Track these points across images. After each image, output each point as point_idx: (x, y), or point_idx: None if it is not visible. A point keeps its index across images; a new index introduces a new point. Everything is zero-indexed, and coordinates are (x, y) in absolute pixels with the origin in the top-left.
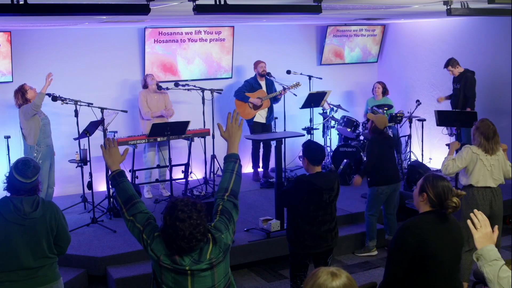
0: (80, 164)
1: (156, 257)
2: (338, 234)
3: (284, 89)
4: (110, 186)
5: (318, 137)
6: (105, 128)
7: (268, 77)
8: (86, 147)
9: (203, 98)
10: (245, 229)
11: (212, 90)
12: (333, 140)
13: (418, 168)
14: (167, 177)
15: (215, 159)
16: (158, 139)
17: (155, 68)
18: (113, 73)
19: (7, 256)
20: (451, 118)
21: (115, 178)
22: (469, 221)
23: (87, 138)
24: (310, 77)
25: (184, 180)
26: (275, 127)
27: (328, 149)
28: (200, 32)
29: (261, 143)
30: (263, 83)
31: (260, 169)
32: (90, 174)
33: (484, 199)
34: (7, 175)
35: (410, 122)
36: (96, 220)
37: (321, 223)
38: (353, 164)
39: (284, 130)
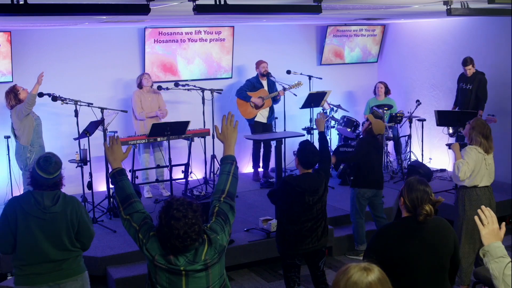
0: (80, 164)
1: (151, 257)
2: (325, 235)
3: (285, 89)
4: (110, 184)
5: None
6: (105, 128)
7: (269, 78)
8: (86, 147)
9: (203, 98)
10: (245, 229)
11: (212, 90)
12: (333, 140)
13: (418, 168)
14: (165, 177)
15: (215, 159)
16: (158, 139)
17: (155, 68)
18: (113, 73)
19: (30, 249)
20: (451, 118)
21: (115, 176)
22: (476, 217)
23: (87, 138)
24: (310, 77)
25: (184, 180)
26: (275, 127)
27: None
28: (200, 32)
29: (262, 143)
30: (265, 82)
31: (260, 169)
32: (90, 174)
33: (486, 198)
34: (31, 170)
35: (410, 122)
36: (96, 220)
37: (304, 222)
38: (348, 168)
39: (284, 130)
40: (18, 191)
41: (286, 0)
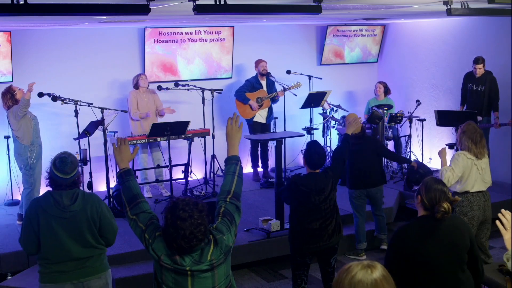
0: (80, 164)
1: (157, 257)
2: (338, 232)
3: (285, 89)
4: (112, 184)
5: (318, 137)
6: (105, 128)
7: (269, 77)
8: (86, 147)
9: (203, 98)
10: (245, 229)
11: (212, 90)
12: (333, 140)
13: (418, 168)
14: (165, 177)
15: (215, 159)
16: (158, 139)
17: (155, 68)
18: (113, 73)
19: (55, 248)
20: (451, 118)
21: (122, 176)
22: (498, 222)
23: (87, 138)
24: (310, 77)
25: (184, 180)
26: (275, 127)
27: (328, 149)
28: (200, 32)
29: (260, 143)
30: (264, 82)
31: (260, 169)
32: (90, 174)
33: (479, 204)
34: (48, 171)
35: (410, 122)
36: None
37: (313, 220)
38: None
39: (284, 130)
40: (18, 191)
41: (286, 0)
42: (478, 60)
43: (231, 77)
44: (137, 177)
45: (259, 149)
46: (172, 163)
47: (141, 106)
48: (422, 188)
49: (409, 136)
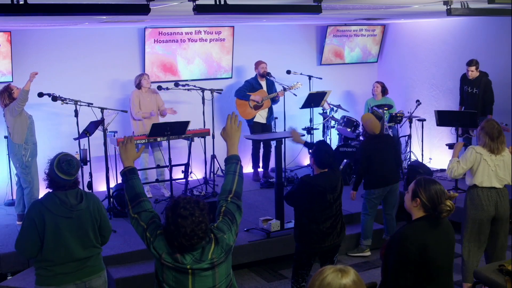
0: (80, 164)
1: (158, 255)
2: (344, 230)
3: (285, 89)
4: (114, 185)
5: (318, 137)
6: (105, 128)
7: (269, 78)
8: (86, 147)
9: (203, 98)
10: (245, 229)
11: (212, 90)
12: (333, 140)
13: (418, 168)
14: (166, 177)
15: (215, 159)
16: (158, 139)
17: (155, 68)
18: (113, 73)
19: (59, 250)
20: (451, 118)
21: (125, 174)
22: None
23: (87, 138)
24: (310, 77)
25: (184, 180)
26: (275, 127)
27: None
28: (200, 32)
29: (261, 143)
30: (263, 83)
31: (260, 169)
32: (90, 174)
33: (489, 199)
34: (48, 172)
35: (410, 122)
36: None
37: (326, 220)
38: (353, 164)
39: (284, 130)
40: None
41: (286, 0)
42: (471, 62)
43: (231, 77)
44: None
45: (260, 149)
46: (172, 163)
47: (144, 105)
48: (419, 190)
49: (409, 136)
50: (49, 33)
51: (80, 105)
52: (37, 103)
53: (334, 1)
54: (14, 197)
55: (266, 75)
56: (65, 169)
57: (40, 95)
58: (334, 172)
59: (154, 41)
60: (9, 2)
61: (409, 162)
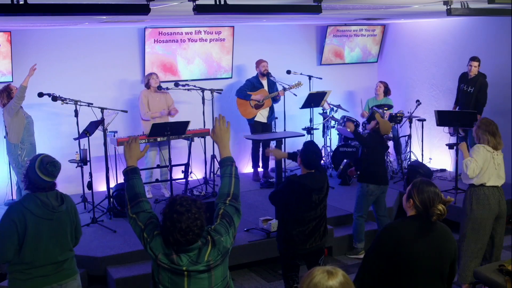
0: (80, 164)
1: (154, 256)
2: (326, 233)
3: (285, 89)
4: (114, 185)
5: (318, 137)
6: (105, 128)
7: (269, 77)
8: (86, 147)
9: (203, 98)
10: (245, 229)
11: (212, 90)
12: (333, 140)
13: (418, 168)
14: (169, 177)
15: (215, 159)
16: (158, 139)
17: (155, 68)
18: (113, 73)
19: (38, 252)
20: (451, 118)
21: (127, 173)
22: None
23: (87, 138)
24: (310, 77)
25: (184, 180)
26: (275, 127)
27: (328, 149)
28: (200, 32)
29: (260, 143)
30: (265, 82)
31: (260, 169)
32: (90, 174)
33: (494, 198)
34: (27, 173)
35: (410, 122)
36: (96, 220)
37: (309, 221)
38: (353, 163)
39: (284, 130)
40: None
41: (286, 0)
42: (475, 58)
43: (231, 77)
44: None
45: (260, 149)
46: (172, 163)
47: (152, 105)
48: (413, 191)
49: (409, 136)
50: (49, 33)
51: (80, 105)
52: (37, 103)
53: (334, 1)
54: (15, 197)
55: (267, 75)
56: (49, 170)
57: (40, 95)
58: (320, 173)
59: (154, 41)
60: (9, 2)
61: (409, 162)
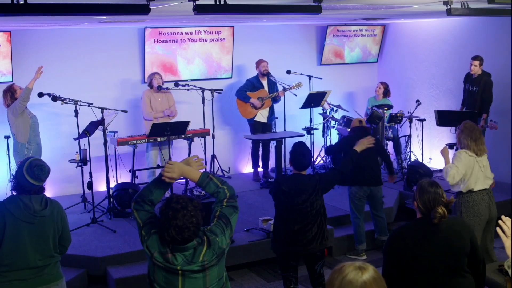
0: (80, 164)
1: (150, 254)
2: (321, 240)
3: (285, 89)
4: (114, 185)
5: (318, 137)
6: (105, 128)
7: (269, 77)
8: (86, 147)
9: (203, 98)
10: (245, 229)
11: (212, 90)
12: (333, 140)
13: (418, 168)
14: None
15: (215, 159)
16: (158, 139)
17: (155, 68)
18: (113, 73)
19: (16, 255)
20: (451, 118)
21: (163, 181)
22: (498, 229)
23: (87, 138)
24: (310, 77)
25: (184, 180)
26: (275, 127)
27: None
28: (200, 32)
29: (260, 143)
30: (265, 82)
31: (260, 169)
32: (90, 174)
33: (484, 202)
34: (15, 175)
35: (410, 122)
36: (96, 220)
37: (293, 222)
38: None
39: (284, 130)
40: None
41: (286, 0)
42: (476, 57)
43: (231, 77)
44: (137, 177)
45: (260, 149)
46: None
47: (155, 105)
48: (416, 194)
49: (409, 136)
50: (49, 33)
51: (80, 105)
52: (37, 103)
53: (334, 1)
54: None
55: (267, 75)
56: (36, 173)
57: (40, 95)
58: (310, 177)
59: (154, 41)
60: (9, 2)
61: (409, 162)
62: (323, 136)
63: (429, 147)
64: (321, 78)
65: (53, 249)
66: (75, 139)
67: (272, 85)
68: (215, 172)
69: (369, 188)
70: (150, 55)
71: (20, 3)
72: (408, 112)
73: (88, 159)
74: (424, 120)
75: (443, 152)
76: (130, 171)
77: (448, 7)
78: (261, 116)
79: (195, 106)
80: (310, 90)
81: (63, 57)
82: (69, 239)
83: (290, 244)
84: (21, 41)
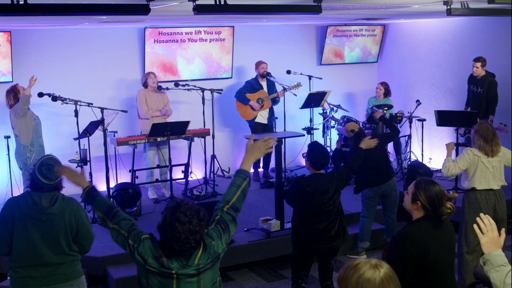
0: (80, 164)
1: (143, 261)
2: (342, 236)
3: (285, 89)
4: (114, 185)
5: (318, 137)
6: (105, 128)
7: (269, 78)
8: (86, 147)
9: (203, 98)
10: (245, 229)
11: (212, 90)
12: (333, 140)
13: (418, 168)
14: (168, 177)
15: (215, 159)
16: (158, 139)
17: (155, 68)
18: (113, 73)
19: (26, 251)
20: (451, 118)
21: (89, 194)
22: (475, 226)
23: (87, 138)
24: (310, 77)
25: (184, 180)
26: (275, 127)
27: (328, 149)
28: (200, 32)
29: None
30: (264, 83)
31: (260, 169)
32: (90, 174)
33: (488, 202)
34: (31, 172)
35: (410, 122)
36: (96, 220)
37: (317, 222)
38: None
39: (284, 130)
40: (18, 191)
41: (286, 0)
42: (478, 59)
43: (231, 77)
44: (137, 177)
45: None
46: (172, 163)
47: (151, 104)
48: (420, 193)
49: (409, 136)
50: (49, 33)
51: (80, 105)
52: (37, 103)
53: (334, 1)
54: None
55: (266, 75)
56: (44, 173)
57: (40, 95)
58: (330, 174)
59: (154, 41)
60: (9, 2)
61: (409, 162)
62: (323, 136)
63: (429, 147)
64: (321, 78)
65: (66, 247)
66: (75, 139)
67: (271, 86)
68: (215, 172)
69: (379, 188)
70: (150, 55)
71: (20, 3)
72: (408, 112)
73: (88, 159)
74: (424, 120)
75: (448, 146)
76: (130, 171)
77: (448, 7)
78: (262, 117)
79: (195, 106)
80: (310, 90)
81: (63, 57)
82: (87, 237)
83: (315, 243)
84: (21, 41)
